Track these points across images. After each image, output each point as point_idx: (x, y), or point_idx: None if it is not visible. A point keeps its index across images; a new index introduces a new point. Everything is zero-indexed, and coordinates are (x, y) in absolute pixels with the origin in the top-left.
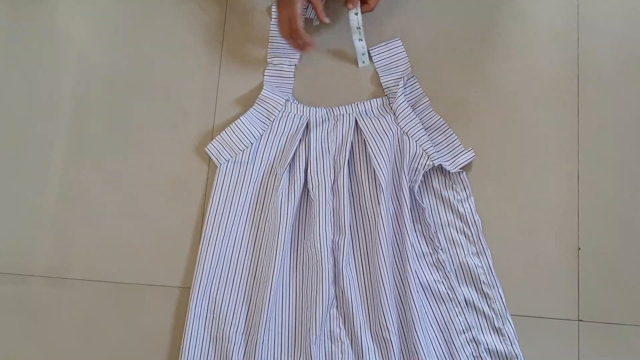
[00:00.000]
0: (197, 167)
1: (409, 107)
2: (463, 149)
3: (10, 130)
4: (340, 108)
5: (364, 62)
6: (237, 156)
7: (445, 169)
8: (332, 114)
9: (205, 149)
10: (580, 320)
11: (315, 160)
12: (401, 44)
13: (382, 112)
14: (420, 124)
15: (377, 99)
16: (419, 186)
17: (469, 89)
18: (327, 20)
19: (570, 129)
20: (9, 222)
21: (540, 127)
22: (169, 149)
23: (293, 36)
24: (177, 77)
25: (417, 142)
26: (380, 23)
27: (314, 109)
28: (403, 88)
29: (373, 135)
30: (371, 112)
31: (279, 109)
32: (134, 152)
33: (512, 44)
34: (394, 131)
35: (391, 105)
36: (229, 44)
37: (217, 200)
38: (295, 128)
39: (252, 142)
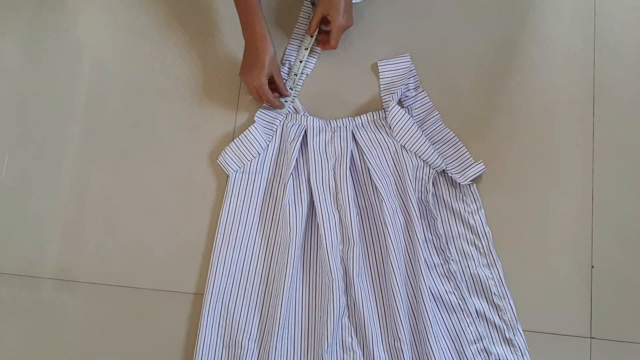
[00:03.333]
0: (213, 175)
1: (406, 118)
2: (473, 161)
3: (26, 132)
4: (337, 121)
5: (285, 100)
6: (246, 166)
7: (455, 181)
8: (330, 126)
9: (217, 160)
10: (593, 338)
11: (315, 170)
12: (410, 59)
13: (378, 125)
14: (420, 134)
15: (373, 113)
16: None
17: (485, 104)
18: (288, 93)
19: (585, 147)
20: (24, 225)
21: (555, 145)
22: (186, 155)
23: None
24: (197, 85)
25: (417, 153)
26: (395, 37)
27: (311, 118)
28: (396, 102)
29: (370, 148)
30: (367, 125)
31: (280, 119)
32: (151, 158)
33: (529, 61)
34: (390, 144)
35: (386, 118)
36: None
37: (229, 209)
38: (294, 135)
39: (259, 152)
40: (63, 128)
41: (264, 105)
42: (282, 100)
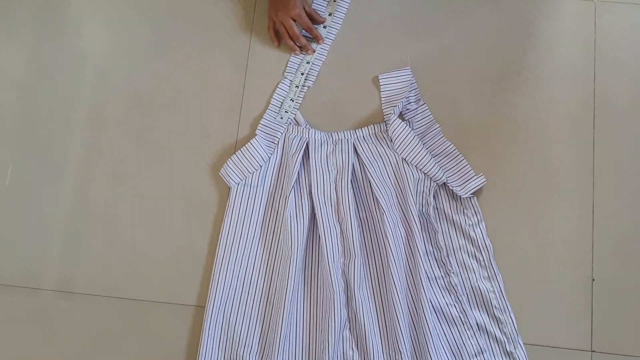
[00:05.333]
0: (215, 187)
1: (407, 131)
2: (474, 174)
3: (29, 142)
4: (338, 133)
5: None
6: (248, 179)
7: (456, 194)
8: (331, 139)
9: (219, 173)
10: (593, 351)
11: (316, 182)
12: (411, 73)
13: (379, 138)
14: (421, 147)
15: (375, 125)
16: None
17: (485, 118)
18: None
19: (585, 160)
20: (26, 236)
21: (556, 158)
22: (188, 167)
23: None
24: (200, 98)
25: (418, 165)
26: (397, 50)
27: (313, 130)
28: (397, 115)
29: (371, 160)
30: (369, 138)
31: (281, 132)
32: (153, 169)
33: (529, 75)
34: (392, 156)
35: (388, 131)
36: (254, 65)
37: (230, 221)
38: (295, 148)
39: (261, 164)
40: (66, 138)
41: (265, 118)
42: (284, 104)
